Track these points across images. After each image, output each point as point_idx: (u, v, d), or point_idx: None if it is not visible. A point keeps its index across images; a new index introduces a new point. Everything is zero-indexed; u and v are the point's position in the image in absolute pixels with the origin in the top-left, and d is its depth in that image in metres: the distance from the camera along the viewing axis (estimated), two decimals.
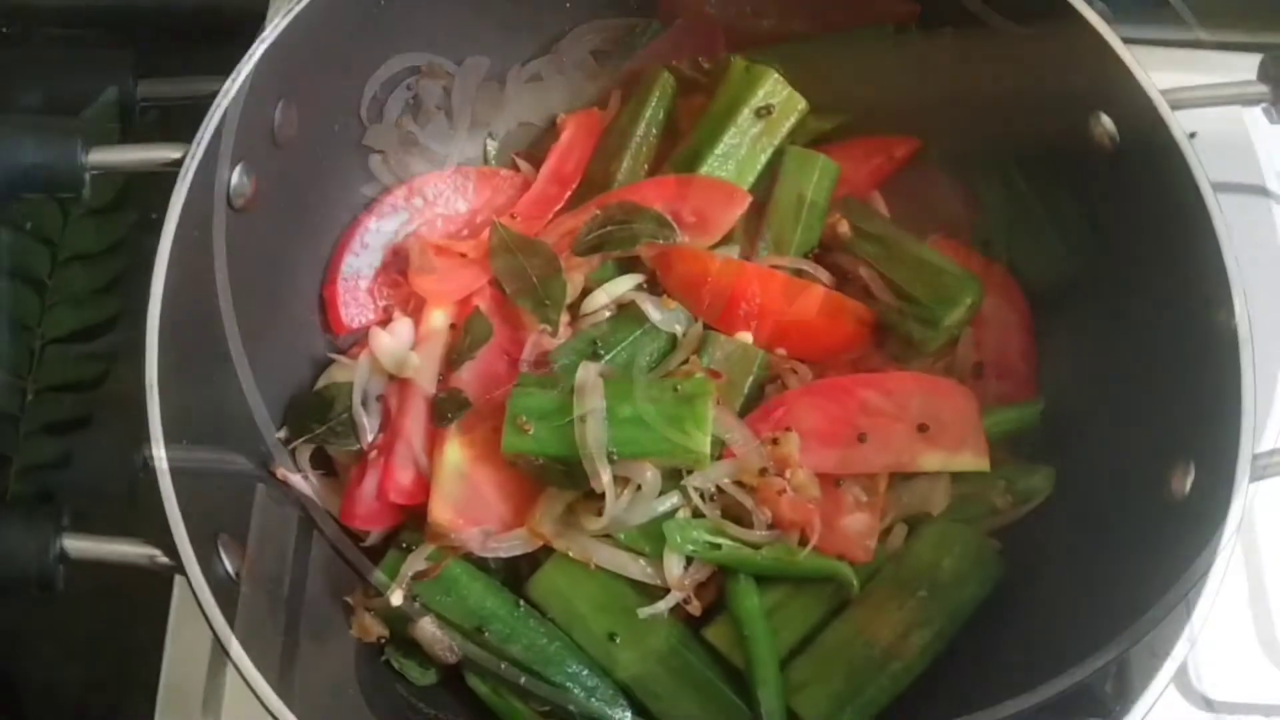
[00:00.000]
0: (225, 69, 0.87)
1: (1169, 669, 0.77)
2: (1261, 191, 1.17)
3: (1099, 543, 0.91)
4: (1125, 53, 0.88)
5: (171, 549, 0.78)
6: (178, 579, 1.02)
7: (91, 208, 1.20)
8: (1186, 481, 0.83)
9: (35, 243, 1.18)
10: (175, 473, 0.78)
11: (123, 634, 1.08)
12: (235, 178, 0.88)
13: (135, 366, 0.81)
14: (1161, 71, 0.89)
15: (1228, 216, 0.85)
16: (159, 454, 0.78)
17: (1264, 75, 0.89)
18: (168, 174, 0.84)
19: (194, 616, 0.95)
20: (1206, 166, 1.18)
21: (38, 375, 1.15)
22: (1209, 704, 1.05)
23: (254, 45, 0.86)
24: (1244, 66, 0.92)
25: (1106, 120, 0.92)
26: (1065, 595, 0.92)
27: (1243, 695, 1.04)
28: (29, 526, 0.77)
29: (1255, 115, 0.93)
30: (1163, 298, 0.90)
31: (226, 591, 0.80)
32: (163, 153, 0.85)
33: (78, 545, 0.78)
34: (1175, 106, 0.87)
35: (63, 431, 1.15)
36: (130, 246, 1.19)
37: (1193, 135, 1.20)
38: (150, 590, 1.03)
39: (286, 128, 0.93)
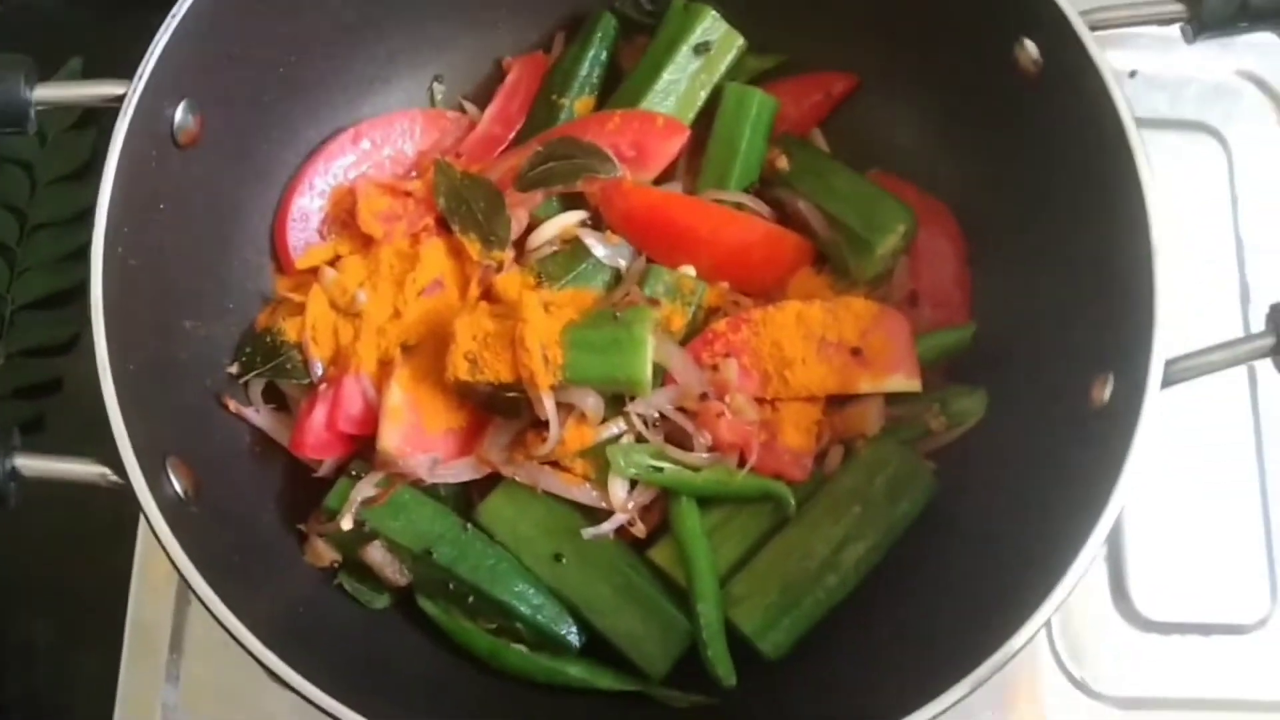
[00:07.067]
0: None
1: (1082, 565, 0.80)
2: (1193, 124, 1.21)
3: (1029, 456, 0.94)
4: None
5: (122, 469, 0.81)
6: (141, 522, 1.06)
7: (58, 176, 1.22)
8: (1106, 390, 0.86)
9: (3, 211, 1.20)
10: (121, 393, 0.80)
11: (89, 579, 1.11)
12: (179, 115, 0.90)
13: None
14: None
15: (1160, 142, 0.87)
16: (104, 372, 0.80)
17: None
18: None
19: (159, 556, 0.97)
20: (1147, 100, 1.21)
21: (8, 340, 1.17)
22: (1145, 622, 1.09)
23: None
24: None
25: (1030, 45, 0.93)
26: (998, 510, 0.94)
27: (1174, 611, 1.08)
28: None
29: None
30: (1084, 220, 0.92)
31: (176, 511, 0.83)
32: (106, 89, 0.86)
33: (29, 464, 0.80)
34: (1094, 27, 0.89)
35: (34, 395, 1.17)
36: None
37: (1133, 74, 1.25)
38: (115, 533, 1.06)
39: (231, 66, 0.95)
